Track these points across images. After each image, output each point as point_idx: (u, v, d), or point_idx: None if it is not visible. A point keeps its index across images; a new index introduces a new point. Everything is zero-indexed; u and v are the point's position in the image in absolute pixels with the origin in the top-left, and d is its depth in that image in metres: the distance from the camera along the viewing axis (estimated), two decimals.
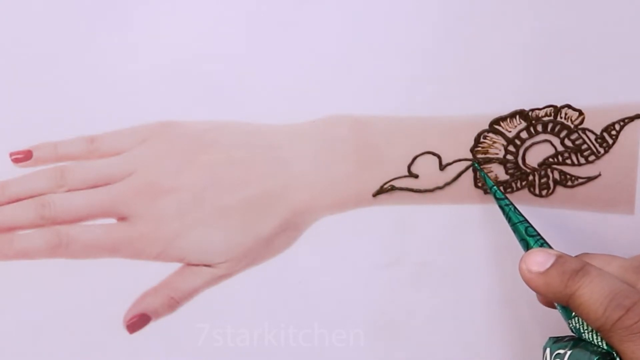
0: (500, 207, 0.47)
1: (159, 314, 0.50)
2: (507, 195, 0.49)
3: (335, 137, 0.49)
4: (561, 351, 0.40)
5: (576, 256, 0.43)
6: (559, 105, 0.49)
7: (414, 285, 0.51)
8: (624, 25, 0.48)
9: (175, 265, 0.50)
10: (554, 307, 0.43)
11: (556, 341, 0.41)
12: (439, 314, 0.51)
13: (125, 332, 0.50)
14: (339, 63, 0.48)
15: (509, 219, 0.46)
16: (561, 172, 0.50)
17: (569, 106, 0.49)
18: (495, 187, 0.48)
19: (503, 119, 0.49)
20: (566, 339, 0.41)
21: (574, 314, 0.41)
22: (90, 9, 0.47)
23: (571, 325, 0.41)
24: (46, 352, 0.50)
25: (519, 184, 0.50)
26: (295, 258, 0.50)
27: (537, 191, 0.50)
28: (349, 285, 0.51)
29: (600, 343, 0.39)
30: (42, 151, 0.48)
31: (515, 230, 0.45)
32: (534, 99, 0.49)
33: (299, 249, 0.50)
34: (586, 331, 0.40)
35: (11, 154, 0.48)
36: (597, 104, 0.49)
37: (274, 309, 0.51)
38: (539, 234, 0.45)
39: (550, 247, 0.44)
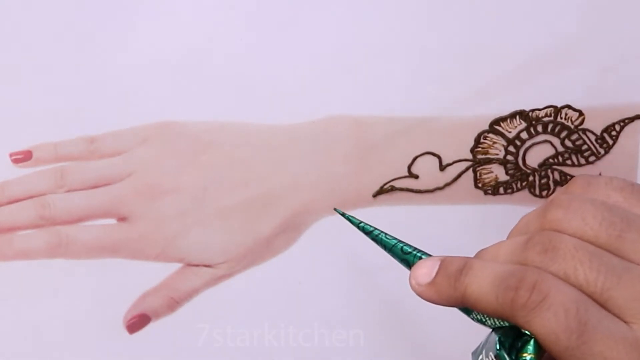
0: (373, 239, 0.45)
1: (158, 314, 0.50)
2: (507, 195, 0.49)
3: (335, 138, 0.49)
4: (480, 356, 0.39)
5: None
6: (559, 106, 0.49)
7: None
8: (624, 26, 0.48)
9: (175, 266, 0.50)
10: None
11: (474, 352, 0.40)
12: (439, 314, 0.51)
13: (125, 333, 0.50)
14: (339, 63, 0.48)
15: (384, 247, 0.44)
16: (561, 172, 0.50)
17: (569, 106, 0.49)
18: (362, 223, 0.46)
19: (503, 119, 0.49)
20: (480, 344, 0.40)
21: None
22: (90, 9, 0.47)
23: (473, 317, 0.39)
24: (46, 352, 0.50)
25: (519, 185, 0.50)
26: (295, 258, 0.51)
27: (537, 192, 0.50)
28: (349, 285, 0.51)
29: (501, 323, 0.37)
30: (42, 151, 0.48)
31: (393, 254, 0.44)
32: (534, 99, 0.49)
33: (299, 249, 0.50)
34: (488, 319, 0.38)
35: (11, 154, 0.48)
36: (597, 104, 0.49)
37: (274, 309, 0.51)
38: (415, 248, 0.43)
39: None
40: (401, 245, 0.43)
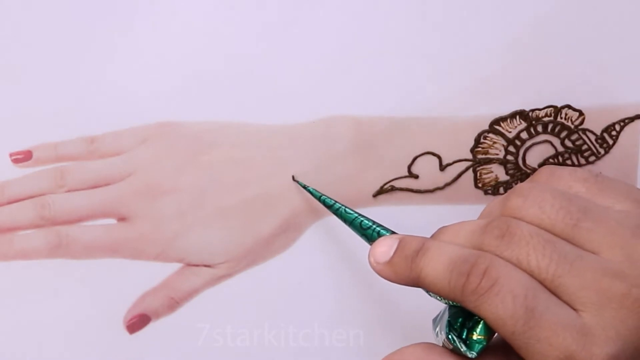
0: (334, 213, 0.46)
1: (158, 314, 0.50)
2: None
3: (335, 137, 0.49)
4: (437, 329, 0.39)
5: (432, 235, 0.42)
6: (559, 106, 0.49)
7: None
8: (624, 25, 0.48)
9: (175, 266, 0.50)
10: None
11: (434, 319, 0.40)
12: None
13: (126, 333, 0.50)
14: (339, 63, 0.48)
15: (345, 221, 0.45)
16: None
17: (569, 106, 0.49)
18: (323, 196, 0.47)
19: (503, 119, 0.49)
20: (439, 313, 0.40)
21: None
22: (90, 8, 0.47)
23: (430, 293, 0.40)
24: (46, 352, 0.50)
25: None
26: (295, 258, 0.50)
27: None
28: (349, 285, 0.51)
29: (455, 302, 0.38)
30: (42, 151, 0.48)
31: (354, 228, 0.44)
32: (534, 99, 0.49)
33: (299, 249, 0.50)
34: (443, 297, 0.39)
35: (11, 154, 0.48)
36: (597, 104, 0.49)
37: (274, 309, 0.51)
38: (375, 222, 0.43)
39: (393, 232, 0.43)
40: (361, 219, 0.44)
